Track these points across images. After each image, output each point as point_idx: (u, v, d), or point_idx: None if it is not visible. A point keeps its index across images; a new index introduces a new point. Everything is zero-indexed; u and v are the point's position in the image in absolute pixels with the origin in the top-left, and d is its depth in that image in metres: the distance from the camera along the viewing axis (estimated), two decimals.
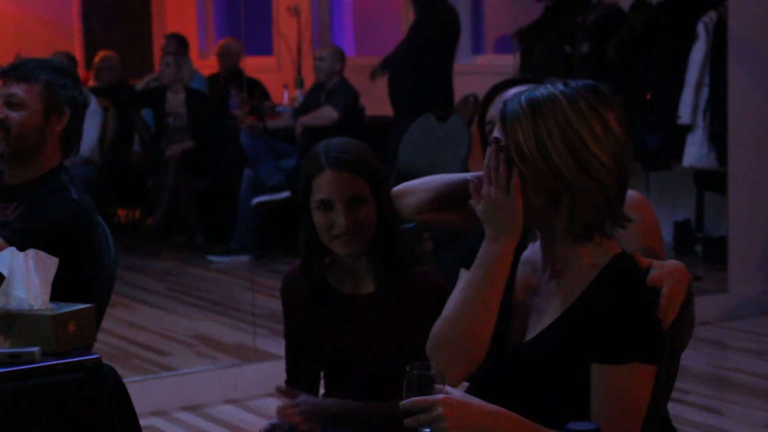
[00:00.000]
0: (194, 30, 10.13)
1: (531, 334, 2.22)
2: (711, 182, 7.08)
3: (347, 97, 7.91)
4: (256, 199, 7.75)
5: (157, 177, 8.22)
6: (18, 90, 3.27)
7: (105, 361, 2.66)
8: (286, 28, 9.50)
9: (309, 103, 8.15)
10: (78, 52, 9.25)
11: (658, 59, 7.01)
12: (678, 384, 2.69)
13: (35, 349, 2.58)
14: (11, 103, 3.26)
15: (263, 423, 2.78)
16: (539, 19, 7.68)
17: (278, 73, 9.42)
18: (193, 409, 4.93)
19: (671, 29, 6.99)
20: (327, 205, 2.65)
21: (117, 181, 8.25)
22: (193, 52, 9.40)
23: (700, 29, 6.82)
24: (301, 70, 9.18)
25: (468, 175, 2.82)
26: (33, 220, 3.18)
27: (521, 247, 2.27)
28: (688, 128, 6.90)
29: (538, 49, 7.55)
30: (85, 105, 3.38)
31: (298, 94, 8.72)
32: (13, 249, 2.73)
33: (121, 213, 8.73)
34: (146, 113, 8.51)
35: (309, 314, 2.78)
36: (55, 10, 9.65)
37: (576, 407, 2.13)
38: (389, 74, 7.80)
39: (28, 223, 3.18)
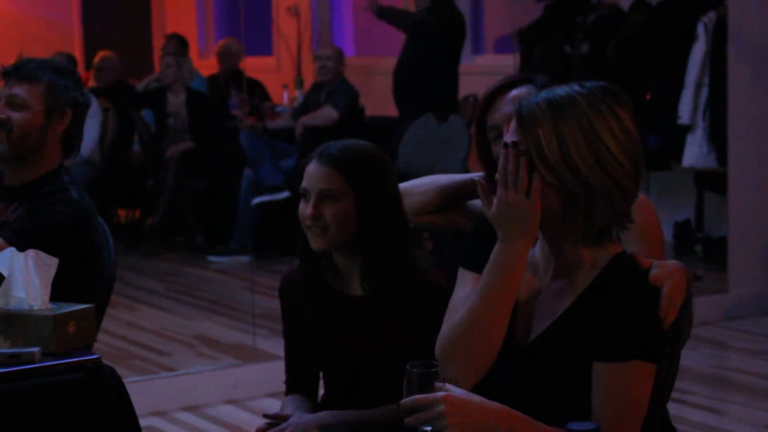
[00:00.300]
0: (194, 30, 10.13)
1: (534, 334, 2.22)
2: (711, 182, 7.08)
3: (347, 97, 7.92)
4: (256, 200, 7.75)
5: (157, 177, 8.22)
6: (20, 90, 3.27)
7: (105, 361, 2.66)
8: (286, 28, 9.50)
9: (309, 103, 8.15)
10: (78, 52, 9.25)
11: (658, 59, 7.01)
12: (678, 384, 2.69)
13: (35, 349, 2.58)
14: (13, 104, 3.26)
15: (263, 423, 2.78)
16: (539, 19, 7.68)
17: (278, 74, 9.42)
18: (193, 409, 4.93)
19: (671, 29, 6.99)
20: (305, 195, 2.67)
21: (117, 182, 8.25)
22: (193, 52, 9.40)
23: (700, 29, 6.82)
24: (301, 70, 9.18)
25: (465, 176, 2.82)
26: (33, 220, 3.18)
27: None
28: (688, 128, 6.90)
29: (538, 49, 7.55)
30: (87, 106, 3.38)
31: (298, 95, 8.72)
32: (13, 249, 2.73)
33: (121, 213, 8.72)
34: (146, 113, 8.51)
35: (307, 315, 2.78)
36: (55, 10, 9.64)
37: (579, 406, 2.14)
38: (394, 75, 7.80)
39: (29, 224, 3.18)
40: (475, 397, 2.08)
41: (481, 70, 8.25)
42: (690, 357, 5.20)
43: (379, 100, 8.23)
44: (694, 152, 6.89)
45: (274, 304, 2.91)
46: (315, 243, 2.66)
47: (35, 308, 2.68)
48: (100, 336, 3.23)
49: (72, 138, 3.35)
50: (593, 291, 2.17)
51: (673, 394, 2.48)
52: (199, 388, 5.03)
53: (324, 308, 2.75)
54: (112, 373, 2.65)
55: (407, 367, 2.06)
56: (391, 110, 8.02)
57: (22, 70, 3.30)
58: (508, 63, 6.99)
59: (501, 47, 9.02)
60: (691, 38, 6.85)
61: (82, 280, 3.19)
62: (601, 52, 7.19)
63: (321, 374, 2.86)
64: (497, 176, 2.16)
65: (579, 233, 2.16)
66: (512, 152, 2.12)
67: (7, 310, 2.68)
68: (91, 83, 8.55)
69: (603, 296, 2.15)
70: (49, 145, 3.29)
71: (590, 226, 2.14)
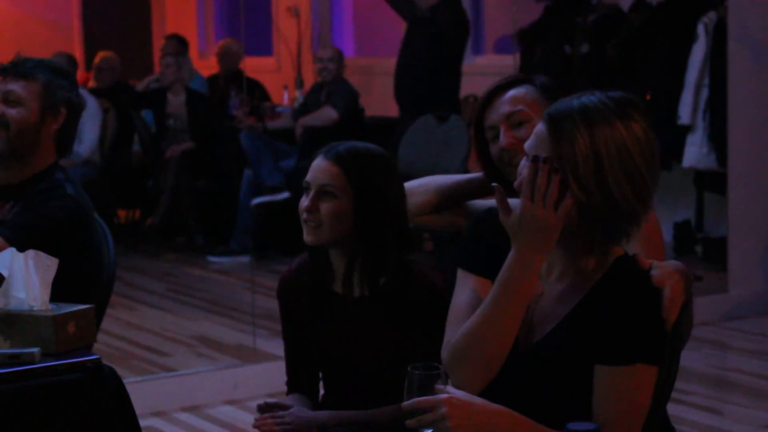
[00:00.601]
0: (194, 30, 10.13)
1: (537, 337, 2.22)
2: (711, 182, 7.08)
3: (347, 98, 7.91)
4: (256, 200, 7.75)
5: (157, 177, 8.22)
6: (16, 87, 3.28)
7: (105, 361, 2.65)
8: (285, 28, 9.50)
9: (309, 104, 8.15)
10: (78, 53, 9.25)
11: (658, 59, 7.02)
12: (678, 384, 2.70)
13: (35, 349, 2.58)
14: (9, 100, 3.28)
15: (262, 402, 2.77)
16: (539, 19, 7.69)
17: (278, 74, 9.42)
18: (193, 409, 4.93)
19: (671, 29, 6.99)
20: (306, 188, 2.68)
21: (117, 182, 8.24)
22: (193, 52, 9.40)
23: (700, 29, 6.82)
24: (301, 70, 9.18)
25: (464, 177, 2.82)
26: (30, 216, 3.20)
27: None
28: (688, 129, 6.90)
29: (538, 50, 7.55)
30: (81, 107, 3.40)
31: (298, 95, 8.72)
32: (13, 250, 2.73)
33: (121, 213, 8.73)
34: (146, 114, 8.51)
35: (306, 315, 2.78)
36: (55, 10, 9.64)
37: (582, 409, 2.14)
38: (395, 75, 7.79)
39: (25, 220, 3.19)
40: (477, 399, 2.08)
41: (481, 70, 8.25)
42: (690, 357, 5.20)
43: (379, 101, 8.23)
44: (694, 152, 6.89)
45: (274, 305, 2.91)
46: (308, 236, 2.67)
47: (35, 308, 2.68)
48: (100, 336, 3.23)
49: (66, 138, 3.36)
50: (596, 294, 2.17)
51: (673, 395, 2.48)
52: (199, 389, 5.03)
53: (323, 309, 2.75)
54: (112, 373, 2.65)
55: (408, 369, 2.05)
56: (391, 110, 8.02)
57: (19, 68, 3.31)
58: (508, 63, 6.99)
59: (501, 47, 9.01)
60: (691, 38, 6.85)
61: (81, 280, 3.19)
62: (601, 52, 7.19)
63: (321, 374, 2.86)
64: (516, 185, 2.13)
65: (594, 245, 2.16)
66: (544, 168, 2.08)
67: (7, 311, 2.68)
68: (91, 83, 8.55)
69: (606, 299, 2.15)
70: (43, 144, 3.30)
71: (609, 238, 2.14)
